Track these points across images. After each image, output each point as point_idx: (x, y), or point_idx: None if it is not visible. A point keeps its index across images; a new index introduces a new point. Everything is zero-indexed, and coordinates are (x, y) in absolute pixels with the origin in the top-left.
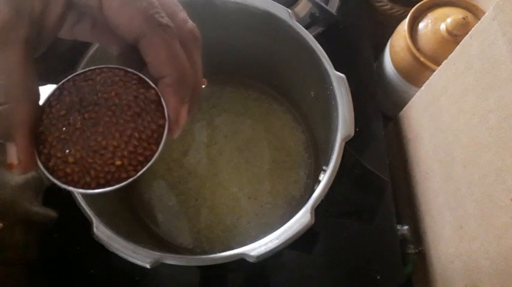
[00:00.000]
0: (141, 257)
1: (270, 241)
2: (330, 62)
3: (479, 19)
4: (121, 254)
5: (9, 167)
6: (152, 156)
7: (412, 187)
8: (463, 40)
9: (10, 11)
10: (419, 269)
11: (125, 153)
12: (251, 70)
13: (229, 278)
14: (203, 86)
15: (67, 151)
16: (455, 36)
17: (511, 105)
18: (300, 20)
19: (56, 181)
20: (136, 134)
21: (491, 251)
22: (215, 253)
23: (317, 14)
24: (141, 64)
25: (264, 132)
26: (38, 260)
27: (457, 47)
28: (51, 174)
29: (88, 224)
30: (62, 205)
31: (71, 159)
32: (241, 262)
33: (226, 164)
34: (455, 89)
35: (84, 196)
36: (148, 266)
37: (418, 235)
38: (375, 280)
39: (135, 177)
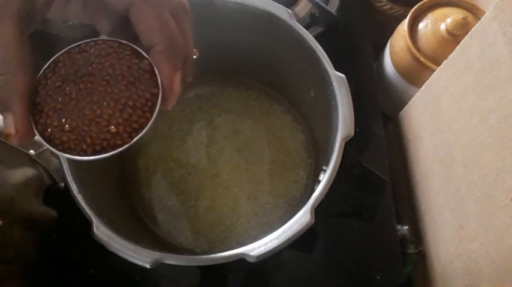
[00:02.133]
0: (141, 257)
1: (270, 241)
2: (330, 62)
3: (479, 19)
4: (121, 254)
5: (7, 136)
6: (147, 123)
7: (412, 187)
8: (463, 40)
9: None
10: (419, 269)
11: (120, 120)
12: (251, 70)
13: (229, 278)
14: (194, 57)
15: (63, 120)
16: (455, 36)
17: (511, 105)
18: (300, 20)
19: (53, 149)
20: (130, 102)
21: (491, 251)
22: (215, 253)
23: (317, 14)
24: (131, 40)
25: (264, 132)
26: (38, 259)
27: (457, 47)
28: (48, 142)
29: (88, 224)
30: (62, 204)
31: (67, 127)
32: (241, 262)
33: (226, 164)
34: (455, 89)
35: (84, 194)
36: (148, 266)
37: (418, 235)
38: (374, 280)
39: (130, 143)
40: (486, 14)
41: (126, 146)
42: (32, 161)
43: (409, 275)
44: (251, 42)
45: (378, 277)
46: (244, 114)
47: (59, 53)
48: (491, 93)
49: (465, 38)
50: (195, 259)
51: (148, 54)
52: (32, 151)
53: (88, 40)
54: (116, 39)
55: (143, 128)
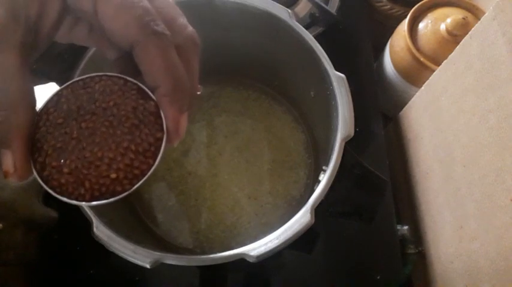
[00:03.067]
0: (141, 257)
1: (270, 241)
2: (330, 62)
3: (479, 19)
4: (121, 254)
5: (5, 174)
6: (148, 170)
7: (412, 187)
8: (463, 40)
9: (6, 14)
10: (419, 269)
11: (121, 166)
12: (251, 70)
13: (229, 278)
14: (198, 93)
15: (62, 160)
16: (455, 36)
17: (511, 105)
18: (300, 20)
19: (50, 191)
20: (133, 147)
21: (491, 251)
22: (215, 253)
23: (317, 14)
24: (138, 70)
25: (264, 132)
26: (38, 260)
27: (457, 47)
28: (46, 183)
29: (88, 224)
30: (62, 205)
31: (66, 169)
32: (241, 262)
33: (226, 164)
34: (455, 89)
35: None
36: (148, 266)
37: (418, 235)
38: (374, 280)
39: (130, 191)
40: (486, 14)
41: (126, 193)
42: None
43: (409, 275)
44: (251, 42)
45: (378, 277)
46: (244, 114)
47: (62, 87)
48: (491, 93)
49: (465, 38)
50: (195, 259)
51: (153, 94)
52: None
53: (93, 75)
54: (121, 76)
55: (144, 175)
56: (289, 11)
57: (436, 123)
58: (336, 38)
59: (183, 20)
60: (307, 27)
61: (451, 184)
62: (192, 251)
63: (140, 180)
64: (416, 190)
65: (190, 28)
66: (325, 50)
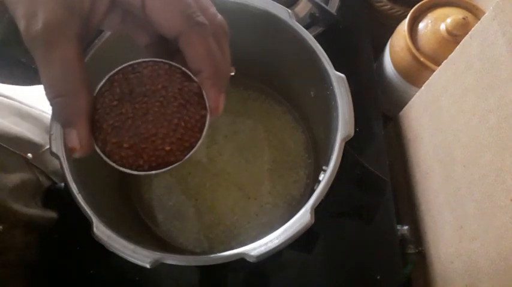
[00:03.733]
0: (141, 257)
1: (270, 240)
2: (330, 62)
3: (479, 19)
4: (121, 254)
5: (72, 150)
6: (196, 142)
7: (412, 187)
8: (463, 40)
9: (64, 10)
10: (419, 269)
11: (173, 140)
12: (251, 70)
13: (229, 278)
14: (232, 73)
15: (121, 137)
16: (455, 36)
17: (511, 105)
18: (300, 20)
19: (113, 164)
20: (182, 123)
21: (491, 251)
22: (215, 253)
23: (317, 14)
24: (168, 54)
25: (264, 132)
26: (38, 260)
27: (457, 47)
28: (108, 158)
29: (88, 224)
30: (62, 206)
31: (125, 145)
32: (241, 262)
33: (226, 164)
34: (455, 89)
35: (84, 194)
36: (148, 266)
37: (418, 235)
38: (374, 280)
39: (182, 161)
40: (486, 14)
41: (179, 163)
42: (28, 164)
43: (409, 275)
44: (251, 42)
45: (378, 277)
46: (244, 115)
47: (112, 72)
48: (491, 93)
49: (465, 38)
50: (195, 259)
51: (195, 77)
52: (29, 155)
53: (139, 61)
54: (166, 61)
55: (193, 147)
56: (289, 11)
57: (436, 123)
58: (336, 38)
59: (213, 9)
60: (307, 27)
61: (451, 183)
62: (192, 251)
63: (190, 151)
64: (416, 189)
65: (219, 16)
66: (325, 50)
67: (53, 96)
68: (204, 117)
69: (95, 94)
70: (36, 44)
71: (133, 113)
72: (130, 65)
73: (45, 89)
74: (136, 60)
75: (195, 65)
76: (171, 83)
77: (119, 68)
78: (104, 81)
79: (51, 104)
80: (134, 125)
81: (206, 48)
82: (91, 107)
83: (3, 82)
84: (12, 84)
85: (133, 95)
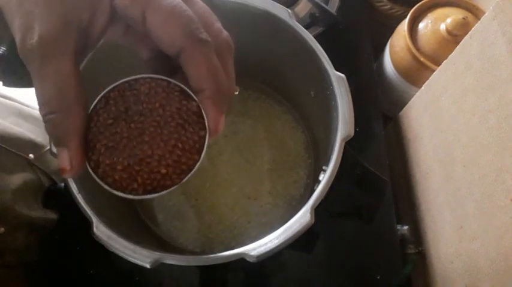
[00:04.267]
0: (141, 257)
1: (270, 240)
2: (330, 62)
3: (479, 19)
4: (121, 254)
5: (62, 171)
6: (194, 165)
7: (412, 187)
8: (463, 40)
9: (61, 23)
10: (419, 269)
11: (169, 162)
12: (251, 70)
13: (229, 278)
14: (236, 93)
15: (115, 158)
16: (455, 36)
17: (511, 105)
18: (300, 20)
19: (106, 187)
20: (180, 145)
21: (491, 251)
22: (215, 253)
23: (317, 14)
24: (169, 69)
25: (264, 132)
26: (39, 261)
27: (457, 47)
28: (101, 180)
29: (88, 224)
30: (62, 206)
31: (119, 166)
32: (241, 262)
33: (226, 164)
34: (455, 89)
35: (83, 194)
36: (148, 266)
37: (418, 235)
38: (374, 280)
39: (179, 185)
40: (486, 14)
41: (175, 187)
42: (30, 165)
43: (409, 275)
44: (251, 42)
45: (378, 277)
46: (244, 115)
47: (108, 89)
48: (491, 93)
49: (465, 38)
50: (195, 259)
51: (196, 96)
52: (31, 155)
53: (137, 77)
54: (164, 77)
55: (191, 170)
56: (289, 11)
57: (436, 123)
58: (336, 38)
59: (218, 24)
60: (307, 27)
61: (451, 183)
62: (192, 251)
63: (187, 174)
64: (416, 189)
65: (225, 32)
66: (325, 50)
67: (45, 113)
68: (202, 138)
69: (89, 111)
70: (30, 58)
71: (128, 133)
72: (127, 82)
73: (39, 104)
74: (134, 77)
75: (196, 83)
76: (168, 102)
77: (115, 84)
78: (98, 98)
79: (44, 121)
80: (129, 146)
81: (208, 66)
82: (84, 125)
83: (11, 86)
84: (21, 87)
85: (129, 113)
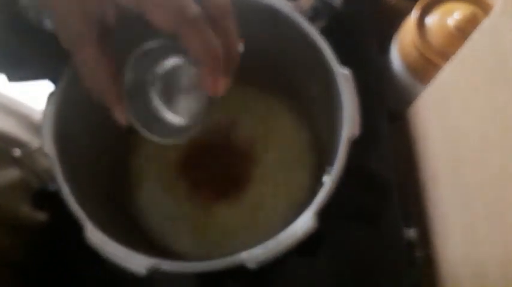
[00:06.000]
0: (137, 262)
1: (271, 246)
2: (334, 58)
3: (487, 14)
4: (115, 260)
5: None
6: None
7: (420, 188)
8: (472, 35)
9: (79, 19)
10: (426, 273)
11: None
12: (251, 68)
13: (228, 284)
14: (241, 51)
15: None
16: (463, 31)
17: None
18: (302, 14)
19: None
20: None
21: (500, 255)
22: (213, 258)
23: (320, 8)
24: None
25: (264, 132)
26: (28, 262)
27: (466, 42)
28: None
29: (80, 226)
30: (53, 206)
31: None
32: (240, 268)
33: None
34: (464, 86)
35: (76, 196)
36: (144, 272)
37: (425, 238)
38: (381, 283)
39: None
40: (495, 8)
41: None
42: (16, 162)
43: (417, 278)
44: (251, 39)
45: (385, 280)
46: (244, 113)
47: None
48: (501, 90)
49: (474, 33)
50: (192, 266)
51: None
52: (17, 151)
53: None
54: None
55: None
56: (292, 4)
57: (445, 121)
58: (340, 32)
59: None
60: (310, 21)
61: (460, 184)
62: (189, 257)
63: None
64: (424, 191)
65: None
66: (329, 45)
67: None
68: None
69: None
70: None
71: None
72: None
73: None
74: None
75: (193, 57)
76: None
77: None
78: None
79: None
80: None
81: (200, 42)
82: (121, 92)
83: (16, 81)
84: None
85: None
